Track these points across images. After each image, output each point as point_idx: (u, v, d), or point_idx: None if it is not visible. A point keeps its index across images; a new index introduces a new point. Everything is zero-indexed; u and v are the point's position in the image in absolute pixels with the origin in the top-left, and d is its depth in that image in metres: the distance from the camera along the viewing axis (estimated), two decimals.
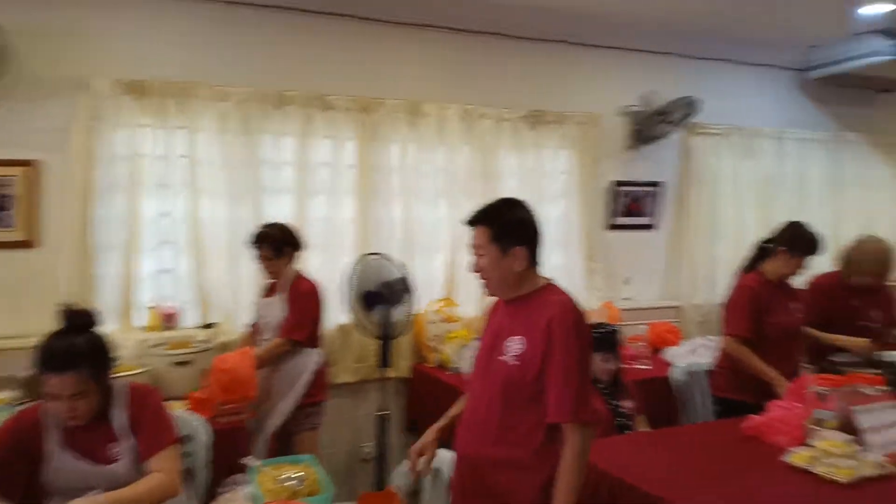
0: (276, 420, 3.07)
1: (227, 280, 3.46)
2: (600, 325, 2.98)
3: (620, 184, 4.41)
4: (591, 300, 4.18)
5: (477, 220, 1.91)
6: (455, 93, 3.95)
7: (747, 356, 2.95)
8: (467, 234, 1.94)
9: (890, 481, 2.03)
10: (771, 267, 3.05)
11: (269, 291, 3.20)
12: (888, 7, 3.98)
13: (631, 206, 4.48)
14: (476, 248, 1.90)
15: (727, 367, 3.07)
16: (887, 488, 1.99)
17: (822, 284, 3.34)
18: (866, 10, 4.06)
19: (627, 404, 2.90)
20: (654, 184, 4.51)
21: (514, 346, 1.84)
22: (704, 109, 4.27)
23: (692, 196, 4.59)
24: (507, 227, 1.87)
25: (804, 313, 3.15)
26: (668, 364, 3.67)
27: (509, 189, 3.99)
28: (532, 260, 1.88)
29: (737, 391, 3.00)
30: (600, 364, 2.85)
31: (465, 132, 3.94)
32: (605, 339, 2.88)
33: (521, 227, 1.89)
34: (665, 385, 3.44)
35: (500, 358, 1.86)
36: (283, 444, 3.09)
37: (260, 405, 3.03)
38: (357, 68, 3.73)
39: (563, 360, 1.76)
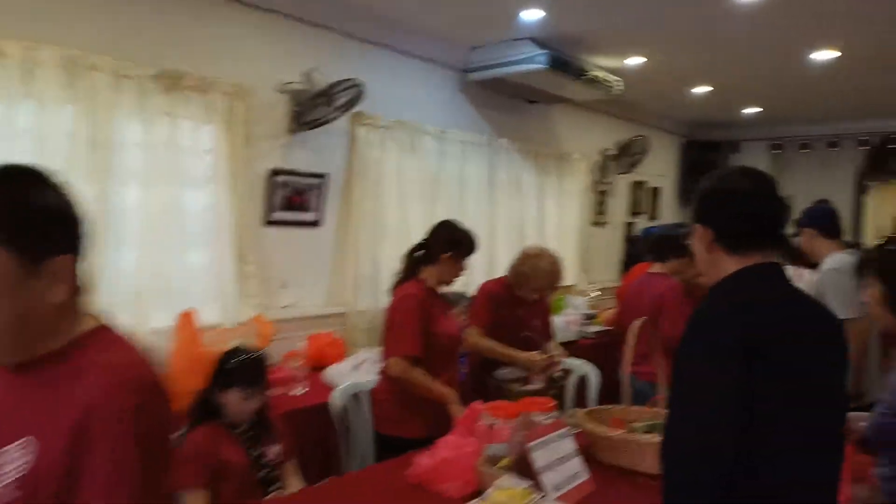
0: None
1: None
2: (237, 351, 2.30)
3: (279, 172, 3.77)
4: (244, 310, 3.45)
5: None
6: (52, 30, 2.88)
7: (419, 378, 2.57)
8: None
9: None
10: (431, 273, 2.75)
11: None
12: (542, 14, 4.06)
13: (292, 198, 3.87)
14: None
15: (390, 397, 2.65)
16: None
17: (491, 291, 3.17)
18: (524, 16, 4.11)
19: (274, 450, 2.29)
20: (318, 175, 3.97)
21: (16, 459, 0.99)
22: (370, 98, 3.88)
23: (357, 191, 4.18)
24: (18, 224, 0.99)
25: (471, 319, 2.99)
26: (327, 386, 3.12)
27: (131, 165, 3.08)
28: (73, 281, 1.04)
29: (402, 426, 2.59)
30: (239, 404, 2.20)
31: (68, 86, 2.91)
32: (246, 369, 2.23)
33: (47, 220, 1.02)
34: (324, 414, 2.85)
35: None
36: None
37: None
38: None
39: (109, 482, 0.96)
